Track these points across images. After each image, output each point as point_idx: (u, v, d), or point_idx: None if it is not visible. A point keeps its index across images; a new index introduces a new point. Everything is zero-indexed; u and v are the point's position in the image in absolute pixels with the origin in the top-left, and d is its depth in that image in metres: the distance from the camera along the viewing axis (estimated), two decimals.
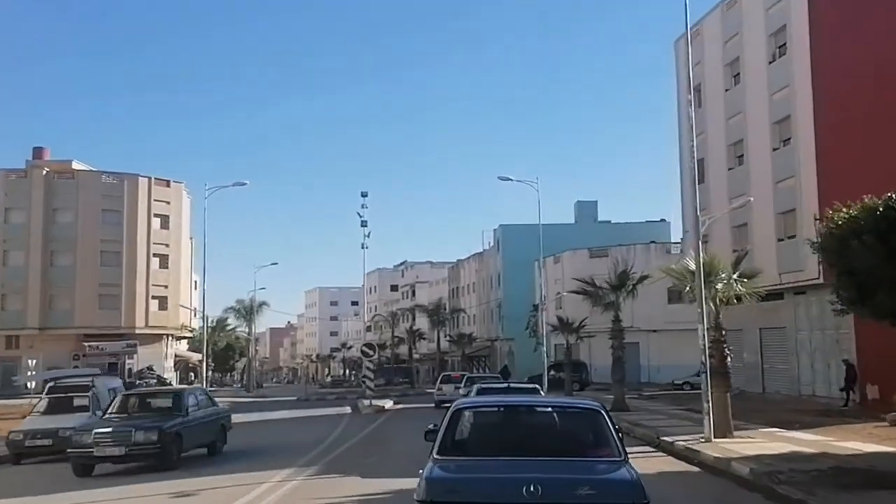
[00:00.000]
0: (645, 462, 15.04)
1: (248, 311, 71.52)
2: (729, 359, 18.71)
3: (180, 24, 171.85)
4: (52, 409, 18.93)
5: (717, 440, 16.98)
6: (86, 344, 61.72)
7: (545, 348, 42.15)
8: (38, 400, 21.65)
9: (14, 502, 12.57)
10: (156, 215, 65.02)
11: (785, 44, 32.21)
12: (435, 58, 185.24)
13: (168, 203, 66.00)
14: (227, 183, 39.93)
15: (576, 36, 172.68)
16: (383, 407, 33.48)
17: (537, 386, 22.36)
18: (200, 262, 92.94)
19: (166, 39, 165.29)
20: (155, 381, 62.71)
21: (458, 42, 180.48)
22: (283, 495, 11.97)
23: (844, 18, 29.54)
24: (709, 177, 37.99)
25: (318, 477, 13.69)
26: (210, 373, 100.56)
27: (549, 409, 8.26)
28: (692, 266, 18.67)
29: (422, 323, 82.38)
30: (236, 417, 32.86)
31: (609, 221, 76.19)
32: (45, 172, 62.44)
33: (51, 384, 21.07)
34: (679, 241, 60.33)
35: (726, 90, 36.75)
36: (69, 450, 15.30)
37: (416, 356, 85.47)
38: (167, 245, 65.69)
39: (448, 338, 76.06)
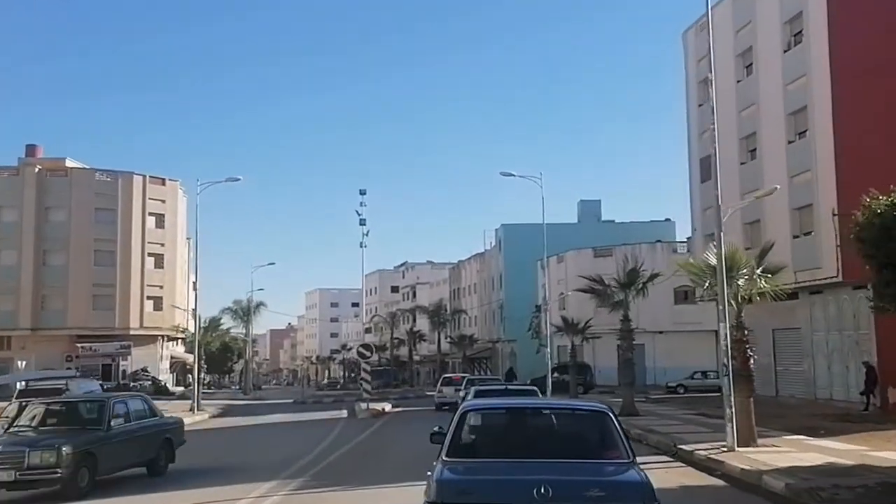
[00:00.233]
0: (664, 474, 13.69)
1: (245, 312, 70.18)
2: (752, 361, 17.27)
3: (177, 21, 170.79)
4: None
5: (740, 449, 15.61)
6: (79, 345, 60.46)
7: (549, 350, 40.74)
8: (7, 404, 20.22)
9: None
10: (151, 214, 63.61)
11: (801, 31, 30.84)
12: (435, 57, 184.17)
13: (163, 202, 64.61)
14: (221, 179, 38.39)
15: (577, 34, 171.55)
16: (381, 410, 32.10)
17: (535, 388, 21.62)
18: (201, 263, 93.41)
19: (163, 36, 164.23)
20: (149, 383, 61.55)
21: (458, 41, 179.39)
22: None
23: (864, 2, 28.19)
24: (720, 172, 36.62)
25: (302, 492, 12.29)
26: (206, 375, 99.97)
27: (557, 411, 8.24)
28: (712, 260, 17.26)
29: (422, 324, 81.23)
30: (228, 421, 31.92)
31: (613, 221, 74.84)
32: (37, 170, 61.11)
33: (20, 387, 19.66)
34: (685, 240, 59.15)
35: (738, 81, 35.37)
36: None
37: (416, 358, 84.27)
38: (162, 244, 64.30)
39: (449, 339, 74.83)
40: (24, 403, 17.19)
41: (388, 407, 35.81)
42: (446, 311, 78.73)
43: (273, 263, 67.32)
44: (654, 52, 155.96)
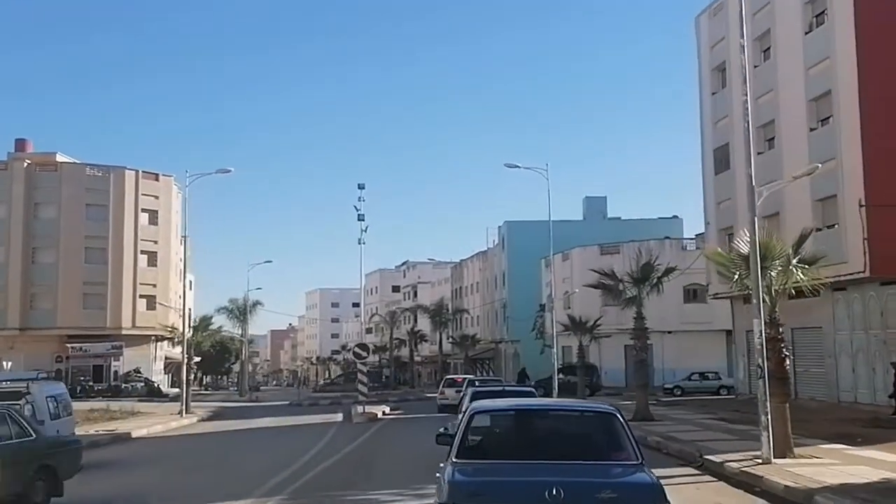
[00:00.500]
0: (695, 491, 11.96)
1: (241, 312, 68.45)
2: (787, 361, 15.46)
3: (174, 13, 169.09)
4: None
5: (777, 461, 13.83)
6: (69, 345, 58.88)
7: (555, 350, 38.97)
8: None
9: None
10: (143, 210, 61.98)
11: (824, 11, 29.02)
12: (436, 48, 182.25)
13: (156, 197, 62.91)
14: (212, 171, 36.63)
15: (581, 28, 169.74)
16: (377, 415, 30.33)
17: (533, 389, 20.88)
18: (196, 261, 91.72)
19: (155, 27, 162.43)
20: (142, 384, 59.90)
21: (459, 32, 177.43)
22: None
23: None
24: (734, 163, 34.81)
25: None
26: (204, 376, 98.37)
27: (565, 412, 8.24)
28: (744, 249, 15.47)
29: (424, 324, 79.62)
30: (215, 425, 30.10)
31: (619, 218, 73.04)
32: (26, 165, 59.44)
33: None
34: (693, 237, 57.33)
35: (755, 67, 33.48)
36: None
37: (417, 358, 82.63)
38: (156, 242, 62.63)
39: (451, 340, 73.16)
40: None
41: (385, 410, 34.08)
42: (448, 310, 77.09)
43: (270, 261, 65.85)
44: (661, 44, 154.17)
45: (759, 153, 33.06)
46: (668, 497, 6.12)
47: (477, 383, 28.02)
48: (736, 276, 15.94)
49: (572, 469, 6.50)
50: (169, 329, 42.72)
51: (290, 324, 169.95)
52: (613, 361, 55.00)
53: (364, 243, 44.14)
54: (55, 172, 60.12)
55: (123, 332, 60.05)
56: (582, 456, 6.85)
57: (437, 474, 6.86)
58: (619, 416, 7.21)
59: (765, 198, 31.54)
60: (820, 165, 20.37)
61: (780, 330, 15.35)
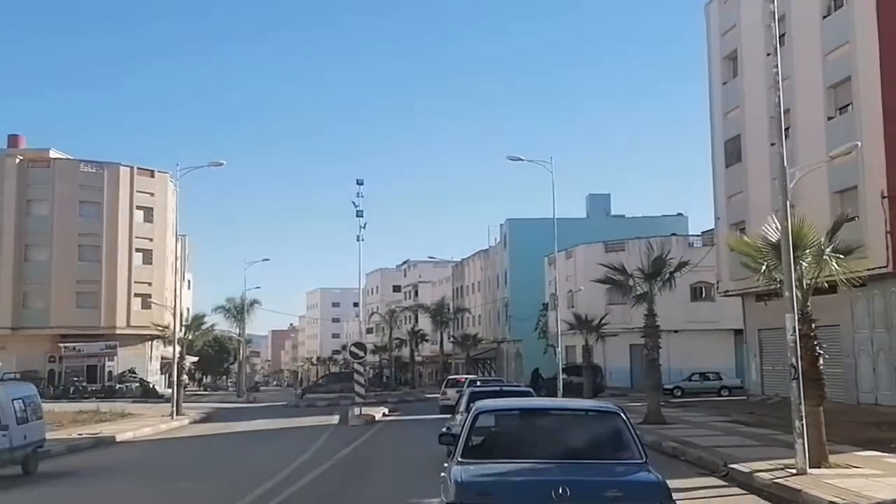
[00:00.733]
0: None
1: (238, 311, 67.16)
2: (821, 361, 14.12)
3: (169, 7, 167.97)
4: None
5: (812, 471, 12.51)
6: (62, 345, 57.58)
7: (559, 349, 37.66)
8: None
9: None
10: (138, 207, 60.53)
11: None
12: (434, 49, 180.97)
13: (152, 194, 61.48)
14: (204, 164, 35.26)
15: (585, 22, 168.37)
16: (374, 417, 29.02)
17: (531, 389, 20.53)
18: (194, 260, 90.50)
19: (150, 23, 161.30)
20: (137, 384, 58.65)
21: (461, 27, 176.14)
22: None
23: None
24: (746, 155, 33.57)
25: None
26: (203, 376, 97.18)
27: (569, 412, 8.17)
28: (773, 236, 14.13)
29: (424, 324, 78.40)
30: (206, 428, 28.67)
31: (623, 216, 71.68)
32: (18, 161, 58.10)
33: None
34: (700, 234, 55.97)
35: (768, 54, 32.13)
36: None
37: (418, 358, 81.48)
38: (151, 239, 61.21)
39: (452, 339, 71.91)
40: None
41: (384, 411, 32.81)
42: (449, 310, 75.84)
43: (267, 259, 64.97)
44: (665, 35, 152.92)
45: (772, 144, 31.78)
46: (673, 496, 6.14)
47: (479, 383, 27.39)
48: (763, 267, 14.54)
49: (578, 468, 6.53)
50: (160, 328, 41.34)
51: (290, 324, 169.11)
52: (618, 361, 53.73)
53: (363, 240, 42.74)
54: (48, 169, 58.78)
55: (118, 331, 58.69)
56: (586, 455, 6.88)
57: (442, 474, 6.94)
58: (622, 415, 7.21)
59: (777, 190, 30.37)
60: (859, 143, 18.90)
61: (813, 326, 14.01)
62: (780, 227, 13.76)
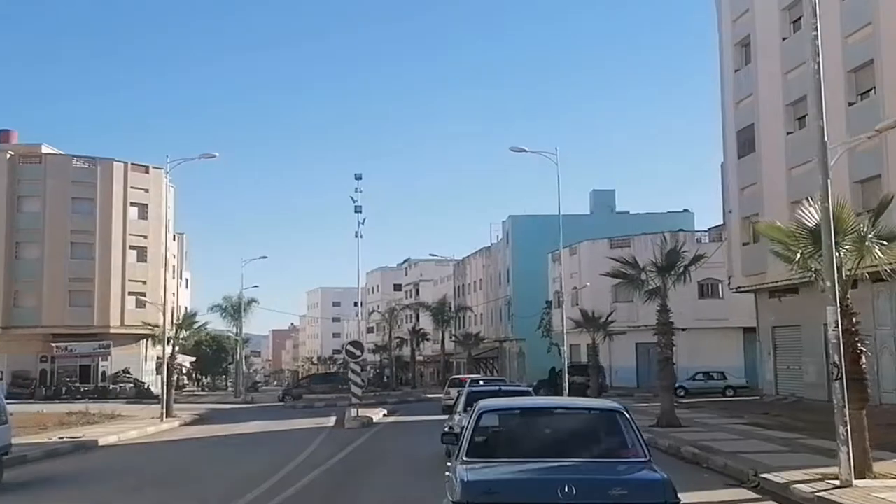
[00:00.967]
0: None
1: (235, 310, 65.83)
2: (863, 359, 12.74)
3: (167, 8, 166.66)
4: None
5: (858, 483, 11.14)
6: (53, 345, 56.26)
7: (566, 348, 36.32)
8: None
9: None
10: (133, 204, 59.11)
11: None
12: (435, 49, 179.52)
13: (146, 191, 60.05)
14: (194, 156, 33.93)
15: (583, 24, 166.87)
16: (371, 419, 27.67)
17: (530, 389, 20.20)
18: (192, 259, 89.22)
19: (141, 14, 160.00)
20: (131, 385, 57.33)
21: (462, 22, 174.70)
22: None
23: None
24: (760, 144, 32.18)
25: None
26: (202, 376, 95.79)
27: (572, 411, 8.21)
28: (809, 221, 12.73)
29: (426, 323, 77.12)
30: (195, 431, 27.03)
31: (627, 212, 70.39)
32: (9, 156, 56.70)
33: None
34: (707, 229, 54.56)
35: (783, 39, 30.85)
36: None
37: (419, 358, 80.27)
38: (145, 237, 59.78)
39: (453, 338, 70.59)
40: None
41: (381, 414, 31.47)
42: (450, 308, 74.55)
43: (265, 257, 63.49)
44: (671, 30, 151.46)
45: (788, 133, 30.45)
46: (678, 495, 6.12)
47: (482, 382, 26.75)
48: (798, 255, 13.14)
49: (582, 467, 6.57)
50: (150, 327, 40.02)
51: (291, 323, 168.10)
52: (624, 360, 52.49)
53: (361, 237, 41.45)
54: (40, 164, 57.34)
55: (111, 330, 57.35)
56: (590, 454, 6.91)
57: (447, 473, 7.02)
58: (626, 413, 7.22)
59: (795, 180, 28.97)
60: None
61: (855, 321, 12.63)
62: (818, 209, 12.30)
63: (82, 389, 54.42)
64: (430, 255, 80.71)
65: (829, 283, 11.86)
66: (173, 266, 73.72)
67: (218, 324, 71.64)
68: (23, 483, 14.66)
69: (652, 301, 25.53)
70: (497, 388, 20.16)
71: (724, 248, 36.52)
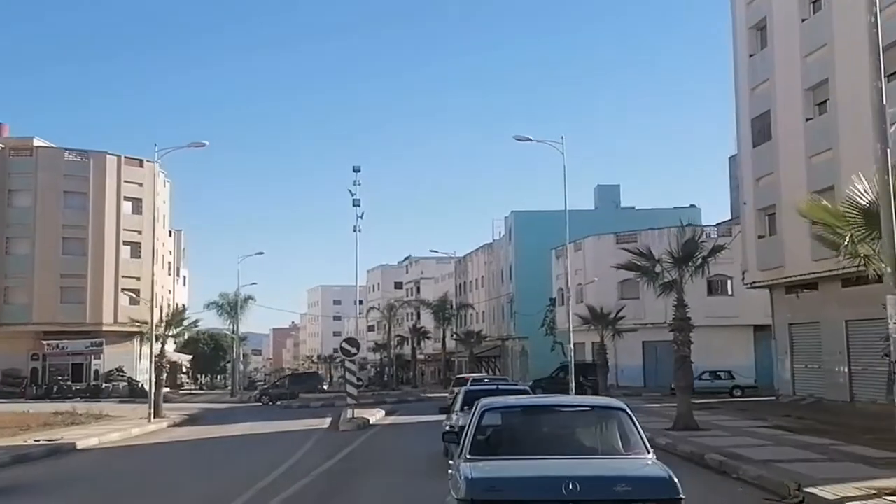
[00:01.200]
0: None
1: (232, 307, 64.45)
2: None
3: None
4: None
5: None
6: (45, 342, 54.94)
7: (572, 346, 34.84)
8: None
9: None
10: (126, 198, 57.69)
11: None
12: (437, 47, 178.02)
13: (140, 185, 58.56)
14: (183, 145, 32.47)
15: (584, 22, 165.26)
16: (368, 420, 26.17)
17: (528, 388, 19.47)
18: (190, 257, 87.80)
19: (147, 13, 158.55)
20: (125, 384, 55.93)
21: (461, 23, 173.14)
22: None
23: None
24: (777, 132, 30.62)
25: None
26: (200, 375, 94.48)
27: (575, 408, 8.18)
28: (862, 199, 11.18)
29: (427, 321, 75.67)
30: (181, 433, 24.87)
31: (633, 207, 68.81)
32: None
33: None
34: (715, 224, 52.98)
35: (803, 20, 29.26)
36: None
37: (420, 357, 78.89)
38: (139, 232, 58.30)
39: (455, 336, 69.11)
40: None
41: (379, 415, 29.97)
42: (451, 306, 73.07)
43: (262, 253, 61.83)
44: (679, 23, 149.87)
45: (807, 119, 28.89)
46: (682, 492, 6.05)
47: (486, 381, 26.17)
48: (847, 239, 11.59)
49: (586, 464, 6.57)
50: (139, 323, 38.59)
51: (292, 322, 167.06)
52: (631, 359, 51.01)
53: (360, 231, 40.24)
54: (30, 157, 55.97)
55: (104, 328, 56.00)
56: (593, 451, 6.93)
57: (450, 471, 7.07)
58: (627, 410, 7.21)
59: (816, 169, 27.37)
60: None
61: None
62: (874, 185, 10.75)
63: (74, 388, 53.19)
64: (431, 251, 79.28)
65: (888, 269, 10.25)
66: (169, 262, 72.59)
67: (216, 322, 70.36)
68: None
69: (666, 296, 24.08)
70: (495, 386, 19.70)
71: (738, 241, 34.96)
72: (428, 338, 75.68)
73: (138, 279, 57.93)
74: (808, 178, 28.06)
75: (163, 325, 34.46)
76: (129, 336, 57.95)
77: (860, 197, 11.28)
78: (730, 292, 48.67)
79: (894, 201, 10.15)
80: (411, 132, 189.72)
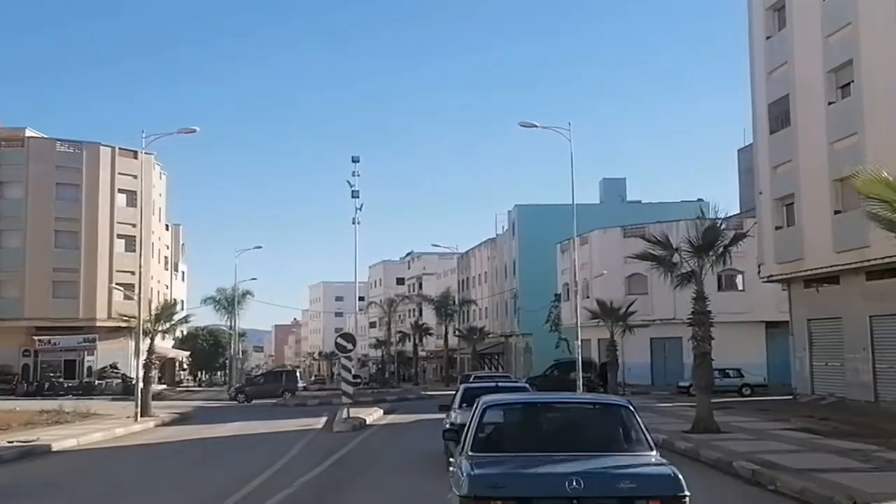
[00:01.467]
0: None
1: (230, 302, 63.04)
2: None
3: None
4: None
5: None
6: (36, 338, 53.60)
7: (579, 341, 33.40)
8: None
9: None
10: (120, 191, 56.24)
11: None
12: (438, 45, 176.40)
13: (135, 177, 57.05)
14: (173, 131, 31.08)
15: (591, 15, 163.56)
16: (364, 420, 24.70)
17: (527, 385, 18.87)
18: (189, 252, 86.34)
19: (145, 8, 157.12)
20: (119, 381, 54.60)
21: (462, 22, 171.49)
22: None
23: None
24: (797, 117, 29.08)
25: None
26: (200, 372, 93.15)
27: (577, 405, 8.18)
28: None
29: (429, 318, 74.30)
30: (167, 433, 23.35)
31: (639, 201, 67.32)
32: None
33: None
34: (723, 218, 51.39)
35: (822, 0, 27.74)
36: None
37: (422, 354, 77.57)
38: (134, 225, 56.74)
39: (457, 333, 67.71)
40: None
41: (377, 414, 28.52)
42: (454, 302, 71.64)
43: (260, 247, 60.47)
44: (672, 24, 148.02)
45: (829, 103, 27.36)
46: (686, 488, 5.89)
47: (497, 379, 24.73)
48: None
49: (589, 461, 6.45)
50: (126, 318, 37.17)
51: (294, 318, 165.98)
52: (637, 356, 49.53)
53: (359, 223, 38.84)
54: (22, 148, 54.60)
55: (98, 323, 54.56)
56: (596, 448, 6.78)
57: (451, 468, 7.06)
58: (630, 407, 7.16)
59: (838, 155, 25.83)
60: None
61: None
62: None
63: (66, 385, 51.94)
64: (433, 245, 77.80)
65: None
66: (166, 257, 71.19)
67: (215, 318, 69.00)
68: None
69: (678, 290, 22.72)
70: (494, 384, 19.14)
71: (755, 233, 33.41)
72: (430, 334, 74.38)
73: (133, 273, 56.40)
74: (830, 165, 26.57)
75: (151, 319, 32.88)
76: (123, 332, 56.47)
77: None
78: (740, 287, 47.23)
79: None
80: (412, 131, 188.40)
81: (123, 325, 54.31)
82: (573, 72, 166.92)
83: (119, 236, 56.14)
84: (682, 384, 40.56)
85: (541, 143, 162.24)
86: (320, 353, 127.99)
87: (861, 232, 24.55)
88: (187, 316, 44.66)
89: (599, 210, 60.87)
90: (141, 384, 30.47)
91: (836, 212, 26.60)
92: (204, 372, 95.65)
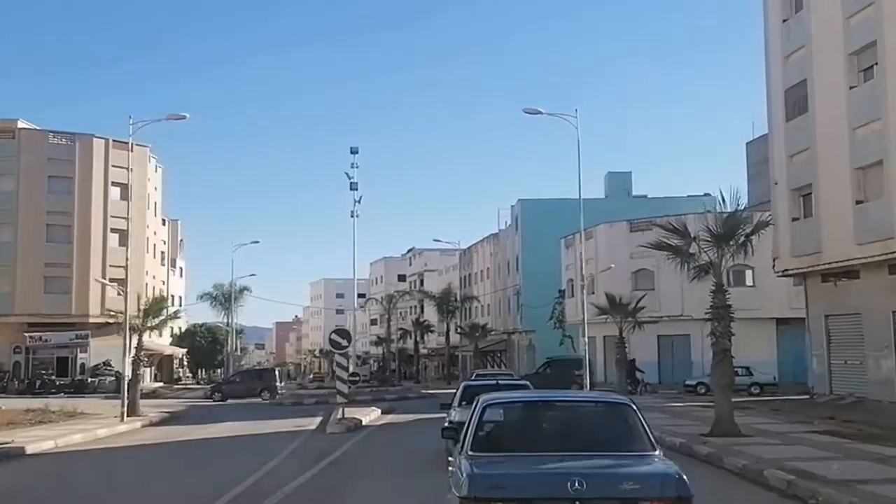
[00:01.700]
0: None
1: (227, 298, 61.85)
2: None
3: None
4: None
5: None
6: (28, 335, 52.39)
7: (586, 338, 32.13)
8: None
9: None
10: (114, 184, 54.84)
11: None
12: (440, 44, 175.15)
13: (130, 170, 55.75)
14: (161, 118, 29.89)
15: (585, 21, 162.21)
16: (361, 421, 23.44)
17: (528, 383, 18.00)
18: (186, 249, 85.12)
19: (143, 9, 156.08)
20: (112, 378, 53.48)
21: (463, 20, 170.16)
22: None
23: None
24: (814, 103, 27.77)
25: None
26: (199, 369, 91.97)
27: (579, 404, 8.01)
28: None
29: (430, 315, 73.14)
30: (153, 434, 21.98)
31: (645, 196, 65.99)
32: None
33: None
34: (733, 211, 50.19)
35: None
36: None
37: (423, 351, 76.49)
38: (127, 219, 55.61)
39: (459, 330, 66.52)
40: None
41: (374, 414, 27.26)
42: (455, 298, 70.44)
43: (257, 242, 59.30)
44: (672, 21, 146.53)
45: (851, 87, 26.00)
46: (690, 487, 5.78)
47: (500, 377, 23.22)
48: None
49: (591, 461, 6.37)
50: (113, 313, 36.00)
51: (295, 315, 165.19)
52: (644, 354, 48.30)
53: (358, 216, 37.55)
54: (13, 140, 53.34)
55: (91, 319, 53.27)
56: (598, 447, 6.68)
57: (451, 468, 6.97)
58: (632, 406, 7.06)
59: (861, 142, 24.47)
60: None
61: None
62: None
63: (58, 383, 50.84)
64: (435, 240, 76.62)
65: None
66: (163, 252, 69.98)
67: (213, 314, 67.85)
68: None
69: (691, 284, 21.51)
70: (494, 381, 17.80)
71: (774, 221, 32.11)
72: (431, 331, 73.28)
73: (126, 268, 55.35)
74: (852, 153, 25.26)
75: (140, 314, 31.65)
76: (116, 328, 55.41)
77: None
78: (750, 283, 45.94)
79: None
80: (412, 130, 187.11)
81: (113, 321, 53.41)
82: (578, 68, 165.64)
83: (113, 230, 54.81)
84: (689, 383, 39.43)
85: (544, 137, 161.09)
86: (321, 351, 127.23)
87: (885, 223, 23.27)
88: (177, 312, 43.41)
89: (604, 204, 59.66)
90: (128, 382, 29.13)
91: (858, 202, 25.29)
92: (203, 369, 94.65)
